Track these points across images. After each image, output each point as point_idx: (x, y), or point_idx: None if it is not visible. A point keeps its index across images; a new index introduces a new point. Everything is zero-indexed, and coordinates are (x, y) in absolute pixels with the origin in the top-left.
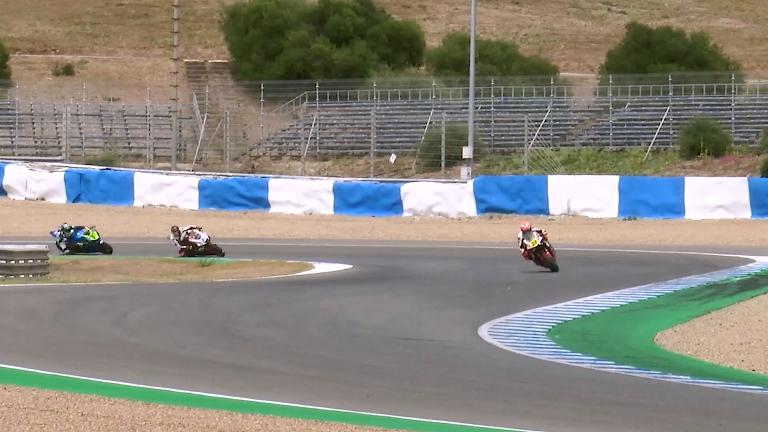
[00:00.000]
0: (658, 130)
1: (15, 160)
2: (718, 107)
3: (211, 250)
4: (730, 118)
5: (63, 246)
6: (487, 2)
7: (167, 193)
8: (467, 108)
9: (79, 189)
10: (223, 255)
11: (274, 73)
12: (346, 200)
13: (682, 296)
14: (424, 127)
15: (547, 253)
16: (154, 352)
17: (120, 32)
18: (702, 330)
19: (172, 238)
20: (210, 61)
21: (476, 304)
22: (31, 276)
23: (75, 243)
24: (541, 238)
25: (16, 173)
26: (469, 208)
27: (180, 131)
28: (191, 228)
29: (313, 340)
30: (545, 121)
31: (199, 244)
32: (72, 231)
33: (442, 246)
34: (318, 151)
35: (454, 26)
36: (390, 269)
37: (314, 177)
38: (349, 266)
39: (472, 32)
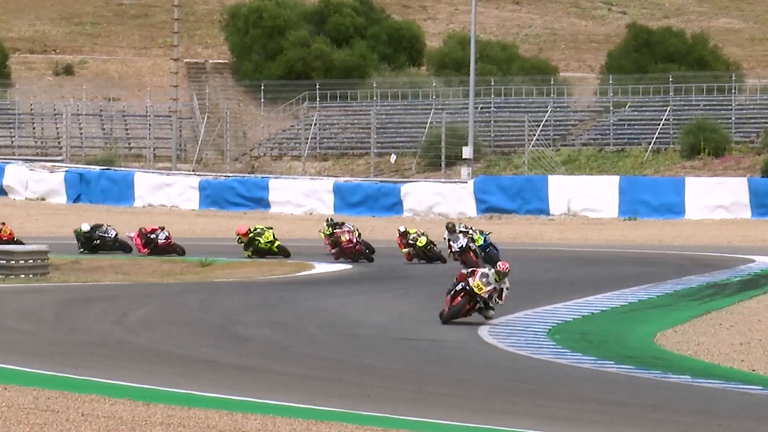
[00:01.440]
0: (658, 130)
1: (15, 160)
2: (718, 107)
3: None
4: (730, 118)
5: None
6: (487, 2)
7: (167, 193)
8: (467, 108)
9: (79, 189)
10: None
11: (275, 73)
12: (346, 200)
13: (682, 296)
14: (424, 127)
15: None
16: (154, 352)
17: (120, 32)
18: (702, 330)
19: (446, 237)
20: (210, 61)
21: None
22: (31, 276)
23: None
24: (473, 269)
25: (17, 173)
26: (469, 208)
27: (180, 131)
28: (469, 229)
29: (313, 340)
30: (545, 121)
31: (454, 249)
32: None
33: (442, 246)
34: (318, 151)
35: (454, 26)
36: (390, 269)
37: (314, 177)
38: (349, 266)
39: (472, 32)
